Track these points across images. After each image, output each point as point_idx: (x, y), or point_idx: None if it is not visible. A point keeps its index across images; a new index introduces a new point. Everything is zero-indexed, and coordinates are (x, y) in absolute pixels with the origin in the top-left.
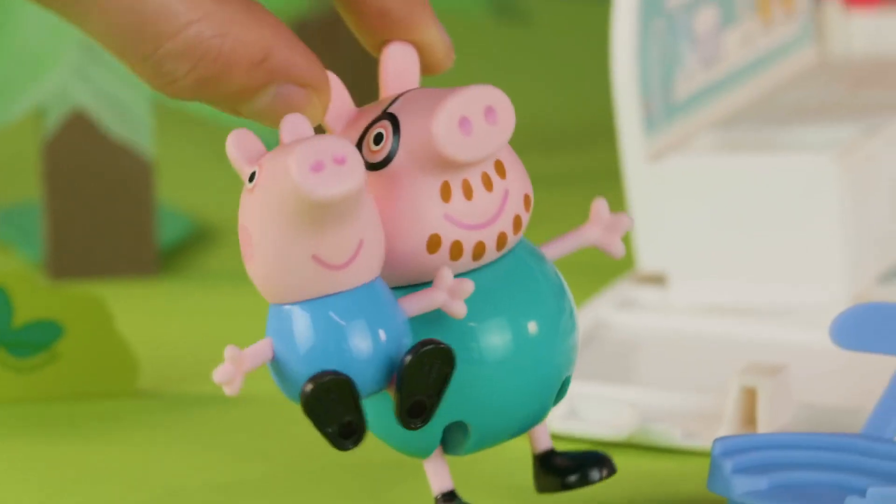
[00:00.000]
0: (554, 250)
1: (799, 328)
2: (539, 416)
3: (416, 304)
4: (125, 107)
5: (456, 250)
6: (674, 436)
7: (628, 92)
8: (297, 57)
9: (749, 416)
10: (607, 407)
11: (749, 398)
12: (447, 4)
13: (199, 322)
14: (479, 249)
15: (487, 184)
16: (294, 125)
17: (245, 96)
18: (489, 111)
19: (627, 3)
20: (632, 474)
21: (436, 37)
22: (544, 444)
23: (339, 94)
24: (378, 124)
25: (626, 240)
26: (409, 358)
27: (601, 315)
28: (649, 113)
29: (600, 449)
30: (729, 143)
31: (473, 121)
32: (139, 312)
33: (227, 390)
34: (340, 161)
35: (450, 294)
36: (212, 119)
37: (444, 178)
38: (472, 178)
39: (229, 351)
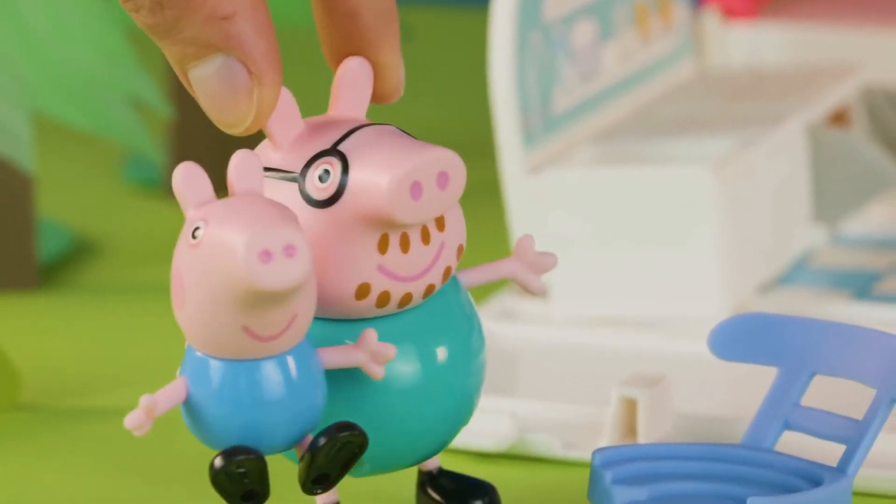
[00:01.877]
0: (471, 278)
1: (679, 339)
2: (438, 448)
3: (336, 357)
4: (3, 122)
5: (383, 299)
6: (553, 446)
7: (507, 105)
8: (259, 39)
9: (629, 427)
10: (487, 417)
11: (629, 409)
12: None
13: (81, 335)
14: (406, 299)
15: (425, 237)
16: (243, 161)
17: (194, 52)
18: (442, 176)
19: (503, 15)
20: (512, 485)
21: (394, 63)
22: (432, 462)
23: (286, 102)
24: (326, 159)
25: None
26: (322, 440)
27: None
28: (528, 126)
29: (482, 455)
30: (608, 157)
31: (425, 186)
32: (20, 326)
33: (136, 433)
34: (290, 252)
35: (371, 357)
36: (92, 133)
37: (385, 231)
38: (411, 232)
39: (144, 399)
